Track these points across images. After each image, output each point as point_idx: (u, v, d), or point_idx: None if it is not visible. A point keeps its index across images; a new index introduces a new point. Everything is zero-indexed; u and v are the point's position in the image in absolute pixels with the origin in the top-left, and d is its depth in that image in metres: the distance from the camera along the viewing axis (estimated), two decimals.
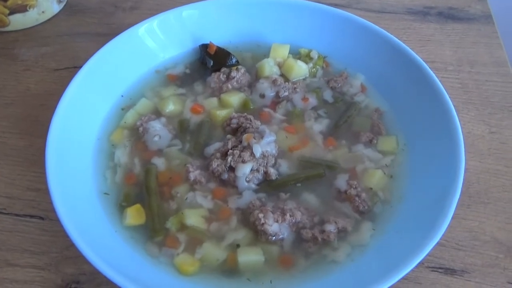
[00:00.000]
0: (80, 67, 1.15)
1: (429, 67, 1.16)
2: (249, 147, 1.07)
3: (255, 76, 1.27)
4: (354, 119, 1.19)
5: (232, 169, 1.06)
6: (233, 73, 1.24)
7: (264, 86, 1.23)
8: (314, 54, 1.29)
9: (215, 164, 1.07)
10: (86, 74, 1.14)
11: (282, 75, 1.26)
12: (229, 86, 1.23)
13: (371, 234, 1.01)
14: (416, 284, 1.00)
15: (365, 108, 1.22)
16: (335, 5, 1.43)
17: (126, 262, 0.94)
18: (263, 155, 1.07)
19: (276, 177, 1.07)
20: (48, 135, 1.02)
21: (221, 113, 1.18)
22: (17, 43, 1.45)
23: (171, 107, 1.20)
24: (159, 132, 1.14)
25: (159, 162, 1.10)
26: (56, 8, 1.52)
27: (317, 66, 1.29)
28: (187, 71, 1.29)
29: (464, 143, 1.03)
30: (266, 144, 1.08)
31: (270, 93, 1.23)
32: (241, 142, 1.09)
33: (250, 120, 1.14)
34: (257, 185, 1.07)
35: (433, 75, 1.14)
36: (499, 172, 1.16)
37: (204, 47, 1.29)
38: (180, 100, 1.22)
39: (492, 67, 1.37)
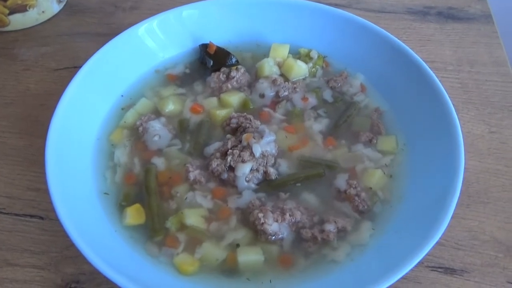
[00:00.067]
0: (80, 67, 1.15)
1: (429, 67, 1.16)
2: (248, 147, 1.07)
3: (255, 76, 1.27)
4: (353, 118, 1.19)
5: (231, 168, 1.06)
6: (233, 73, 1.24)
7: (263, 86, 1.23)
8: (314, 54, 1.29)
9: (215, 163, 1.07)
10: (86, 74, 1.14)
11: (282, 75, 1.27)
12: (229, 86, 1.23)
13: (371, 233, 1.01)
14: (416, 283, 1.00)
15: (365, 108, 1.22)
16: (335, 5, 1.43)
17: (126, 261, 0.94)
18: (263, 155, 1.07)
19: (276, 177, 1.07)
20: (47, 135, 1.03)
21: (221, 113, 1.18)
22: (17, 43, 1.45)
23: (171, 106, 1.20)
24: (158, 132, 1.14)
25: (159, 162, 1.10)
26: (56, 8, 1.52)
27: (317, 66, 1.29)
28: (187, 71, 1.29)
29: (464, 142, 1.03)
30: (265, 144, 1.08)
31: (269, 93, 1.23)
32: (240, 141, 1.09)
33: (250, 120, 1.14)
34: (257, 184, 1.07)
35: (433, 75, 1.14)
36: (499, 171, 1.16)
37: (204, 47, 1.29)
38: (180, 100, 1.22)
39: (492, 67, 1.37)
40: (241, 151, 1.07)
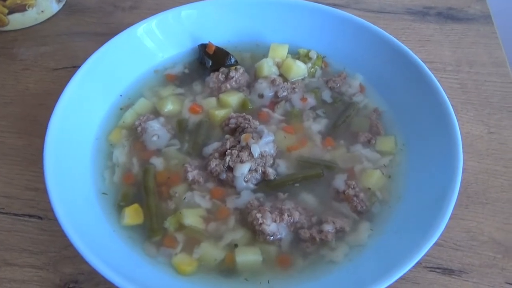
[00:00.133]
0: (79, 66, 1.15)
1: (428, 67, 1.16)
2: (247, 147, 1.07)
3: (254, 76, 1.27)
4: (352, 119, 1.19)
5: (230, 169, 1.06)
6: (232, 73, 1.24)
7: (262, 86, 1.23)
8: (313, 54, 1.28)
9: (213, 164, 1.07)
10: (84, 74, 1.14)
11: (280, 75, 1.26)
12: (228, 86, 1.23)
13: (369, 234, 1.01)
14: (414, 284, 1.00)
15: (364, 108, 1.22)
16: (334, 5, 1.43)
17: (124, 261, 0.94)
18: (262, 155, 1.07)
19: (275, 177, 1.07)
20: (46, 134, 1.03)
21: (220, 113, 1.18)
22: (16, 43, 1.45)
23: (169, 107, 1.20)
24: (157, 132, 1.14)
25: (158, 162, 1.10)
26: (55, 7, 1.52)
27: (316, 66, 1.29)
28: (186, 71, 1.29)
29: (463, 143, 1.03)
30: (264, 144, 1.08)
31: (268, 93, 1.22)
32: (239, 142, 1.09)
33: (249, 120, 1.14)
34: (255, 185, 1.07)
35: (432, 75, 1.14)
36: (498, 172, 1.16)
37: (203, 47, 1.29)
38: (178, 100, 1.22)
39: (491, 68, 1.37)
40: (240, 151, 1.07)
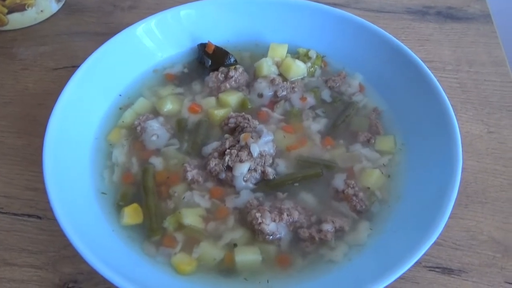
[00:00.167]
0: (79, 66, 1.15)
1: (428, 67, 1.16)
2: (246, 147, 1.07)
3: (253, 75, 1.27)
4: (352, 118, 1.19)
5: (229, 168, 1.06)
6: (231, 73, 1.24)
7: (262, 85, 1.23)
8: (313, 54, 1.28)
9: (213, 163, 1.07)
10: (83, 74, 1.14)
11: (280, 74, 1.26)
12: (227, 85, 1.23)
13: (369, 233, 1.01)
14: (414, 283, 1.00)
15: (363, 108, 1.22)
16: (334, 5, 1.42)
17: (123, 261, 0.94)
18: (261, 155, 1.07)
19: (274, 177, 1.07)
20: (45, 134, 1.03)
21: (219, 113, 1.18)
22: (16, 42, 1.45)
23: (169, 106, 1.20)
24: (157, 131, 1.14)
25: (157, 162, 1.10)
26: (54, 7, 1.52)
27: (315, 66, 1.29)
28: (185, 70, 1.29)
29: (462, 142, 1.03)
30: (263, 144, 1.08)
31: (268, 93, 1.22)
32: (238, 141, 1.09)
33: (248, 120, 1.14)
34: (255, 184, 1.07)
35: (431, 74, 1.14)
36: (497, 171, 1.16)
37: (202, 47, 1.29)
38: (178, 99, 1.22)
39: (490, 67, 1.37)
40: (239, 150, 1.07)
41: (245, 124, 1.13)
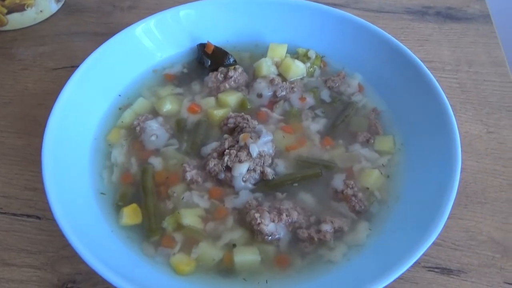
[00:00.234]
0: (78, 66, 1.15)
1: (427, 67, 1.16)
2: (246, 147, 1.07)
3: (253, 75, 1.27)
4: (351, 118, 1.19)
5: (228, 168, 1.06)
6: (231, 73, 1.24)
7: (261, 85, 1.23)
8: (312, 54, 1.28)
9: (212, 163, 1.07)
10: (83, 74, 1.14)
11: (279, 74, 1.26)
12: (227, 85, 1.23)
13: (368, 234, 1.01)
14: (413, 284, 1.00)
15: (363, 108, 1.22)
16: (333, 5, 1.42)
17: (122, 261, 0.94)
18: (260, 155, 1.07)
19: (273, 177, 1.07)
20: (44, 134, 1.03)
21: (218, 113, 1.18)
22: (15, 43, 1.45)
23: (168, 106, 1.20)
24: (156, 131, 1.14)
25: (156, 162, 1.10)
26: (54, 7, 1.52)
27: (315, 66, 1.29)
28: (185, 70, 1.29)
29: (462, 143, 1.03)
30: (263, 144, 1.08)
31: (267, 93, 1.22)
32: (238, 141, 1.09)
33: (247, 120, 1.14)
34: (254, 184, 1.07)
35: (431, 75, 1.14)
36: (496, 172, 1.16)
37: (202, 47, 1.29)
38: (177, 99, 1.22)
39: (490, 67, 1.37)
40: (238, 151, 1.07)
41: (244, 124, 1.13)
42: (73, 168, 1.05)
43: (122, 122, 1.17)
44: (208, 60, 1.27)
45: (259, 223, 0.97)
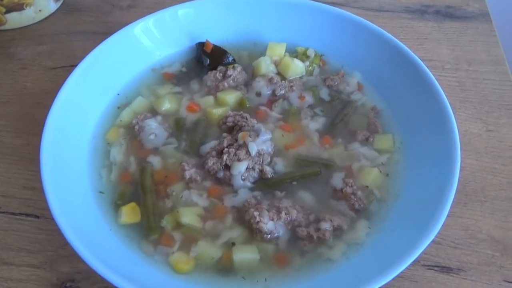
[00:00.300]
0: (77, 65, 1.15)
1: (426, 66, 1.16)
2: (244, 146, 1.07)
3: (252, 74, 1.27)
4: (350, 117, 1.19)
5: (227, 167, 1.06)
6: (230, 72, 1.24)
7: (260, 84, 1.22)
8: (311, 53, 1.28)
9: (211, 162, 1.07)
10: (81, 73, 1.14)
11: (278, 73, 1.26)
12: (226, 84, 1.23)
13: (367, 232, 1.00)
14: (412, 282, 0.99)
15: (362, 107, 1.21)
16: (333, 4, 1.42)
17: (121, 260, 0.94)
18: (259, 154, 1.07)
19: (272, 176, 1.07)
20: (43, 133, 1.02)
21: (217, 112, 1.17)
22: (14, 42, 1.45)
23: (167, 105, 1.20)
24: (155, 130, 1.13)
25: (155, 161, 1.10)
26: (53, 6, 1.51)
27: (314, 65, 1.28)
28: (184, 69, 1.29)
29: (461, 141, 1.03)
30: (261, 143, 1.08)
31: (266, 92, 1.22)
32: (236, 140, 1.09)
33: (246, 119, 1.14)
34: (253, 183, 1.06)
35: (430, 73, 1.14)
36: (496, 170, 1.15)
37: (201, 46, 1.29)
38: (176, 98, 1.22)
39: (489, 66, 1.37)
40: (237, 149, 1.06)
41: (243, 123, 1.13)
42: (71, 167, 1.05)
43: (120, 121, 1.17)
44: (207, 59, 1.27)
45: (258, 222, 0.97)
